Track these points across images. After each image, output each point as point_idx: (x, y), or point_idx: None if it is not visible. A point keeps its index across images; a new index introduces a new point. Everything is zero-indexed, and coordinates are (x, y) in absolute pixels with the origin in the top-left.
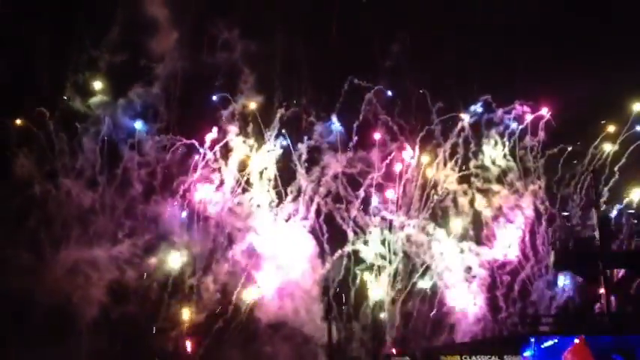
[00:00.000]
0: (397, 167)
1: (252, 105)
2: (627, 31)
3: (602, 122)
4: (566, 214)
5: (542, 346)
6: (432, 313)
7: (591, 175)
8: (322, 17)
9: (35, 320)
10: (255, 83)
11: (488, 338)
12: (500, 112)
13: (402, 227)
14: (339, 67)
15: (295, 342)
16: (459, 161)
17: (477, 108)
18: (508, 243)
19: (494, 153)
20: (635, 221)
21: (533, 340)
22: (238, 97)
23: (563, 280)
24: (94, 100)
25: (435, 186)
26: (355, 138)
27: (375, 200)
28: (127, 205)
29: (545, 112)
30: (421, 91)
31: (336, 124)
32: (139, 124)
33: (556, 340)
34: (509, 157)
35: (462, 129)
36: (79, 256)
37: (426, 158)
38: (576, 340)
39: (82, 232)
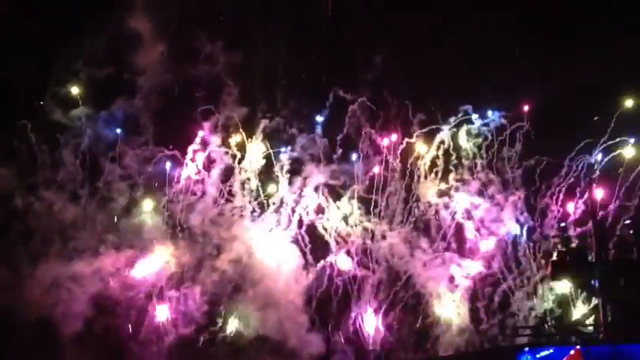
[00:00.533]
0: (379, 179)
1: (235, 116)
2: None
3: (596, 118)
4: (563, 224)
5: (538, 356)
6: (417, 324)
7: (588, 186)
8: (307, 28)
9: (17, 335)
10: (238, 95)
11: (482, 349)
12: (479, 122)
13: (383, 236)
14: (323, 78)
15: (282, 354)
16: (439, 174)
17: (457, 119)
18: (490, 255)
19: (474, 164)
20: (631, 231)
21: (527, 349)
22: (221, 108)
23: None
24: (76, 111)
25: (417, 199)
26: (339, 150)
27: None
28: (109, 218)
29: (524, 119)
30: (404, 103)
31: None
32: (120, 135)
33: (551, 351)
34: (487, 170)
35: (442, 141)
36: (61, 270)
37: (407, 170)
38: (572, 352)
39: (64, 245)
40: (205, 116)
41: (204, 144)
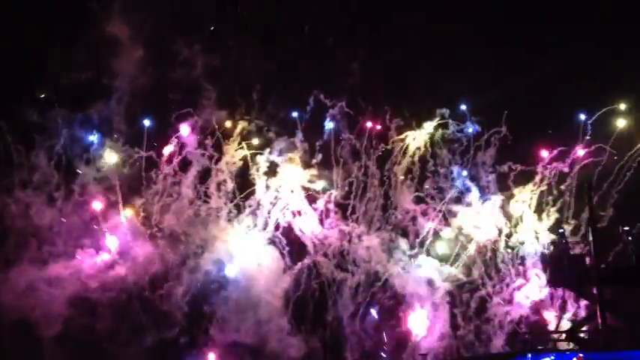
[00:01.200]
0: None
1: (213, 119)
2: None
3: (589, 121)
4: (561, 230)
5: None
6: (396, 328)
7: (585, 190)
8: (286, 32)
9: None
10: (216, 97)
11: (482, 354)
12: (456, 128)
13: (360, 237)
14: (303, 82)
15: (263, 357)
16: (415, 180)
17: (432, 124)
18: (469, 262)
19: (450, 171)
20: (629, 238)
21: (530, 356)
22: (199, 111)
23: None
24: (52, 113)
25: (395, 207)
26: (319, 155)
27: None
28: (86, 220)
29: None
30: (382, 108)
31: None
32: (95, 137)
33: (553, 357)
34: (463, 176)
35: (418, 147)
36: (39, 271)
37: (384, 177)
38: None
39: (41, 247)
40: (183, 119)
41: (181, 146)
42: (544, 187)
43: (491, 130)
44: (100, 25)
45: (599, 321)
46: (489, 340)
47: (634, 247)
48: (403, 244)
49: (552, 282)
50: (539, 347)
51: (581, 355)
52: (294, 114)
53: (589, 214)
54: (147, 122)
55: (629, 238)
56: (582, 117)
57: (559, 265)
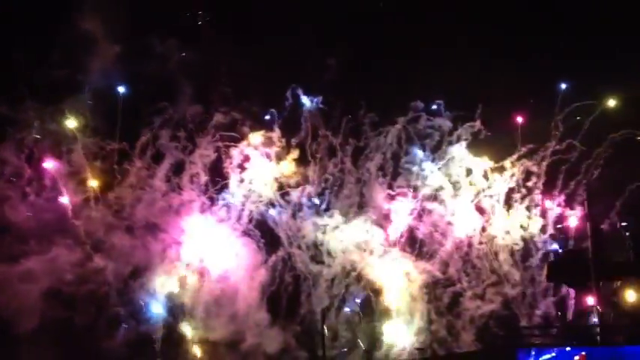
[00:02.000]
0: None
1: (188, 112)
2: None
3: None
4: (560, 226)
5: (541, 359)
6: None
7: (583, 188)
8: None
9: None
10: (192, 92)
11: (482, 348)
12: (428, 122)
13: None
14: (280, 76)
15: (241, 351)
16: (388, 177)
17: (406, 119)
18: (447, 255)
19: (423, 168)
20: (627, 233)
21: (533, 352)
22: (174, 104)
23: None
24: (25, 106)
25: (369, 204)
26: (295, 151)
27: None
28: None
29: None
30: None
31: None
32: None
33: (554, 354)
34: (437, 172)
35: (390, 143)
36: (14, 266)
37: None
38: (577, 357)
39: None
40: (158, 112)
41: (155, 138)
42: (513, 184)
43: (464, 124)
44: (75, 20)
45: (598, 316)
46: (459, 334)
47: (631, 243)
48: (379, 234)
49: (551, 277)
50: (537, 342)
51: (583, 353)
52: (268, 115)
53: (587, 213)
54: (121, 89)
55: (627, 233)
56: (563, 86)
57: (558, 260)
